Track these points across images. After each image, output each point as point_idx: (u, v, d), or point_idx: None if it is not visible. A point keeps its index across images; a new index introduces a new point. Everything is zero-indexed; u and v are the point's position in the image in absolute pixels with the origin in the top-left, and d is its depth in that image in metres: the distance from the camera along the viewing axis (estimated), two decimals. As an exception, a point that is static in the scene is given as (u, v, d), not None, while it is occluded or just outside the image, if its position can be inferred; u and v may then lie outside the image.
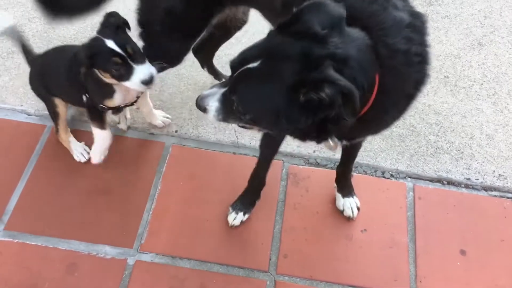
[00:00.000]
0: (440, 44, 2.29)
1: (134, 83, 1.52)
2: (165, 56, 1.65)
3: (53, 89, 1.77)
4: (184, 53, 1.73)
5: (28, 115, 1.99)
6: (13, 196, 1.77)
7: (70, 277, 1.61)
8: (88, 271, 1.63)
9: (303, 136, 1.16)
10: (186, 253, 1.68)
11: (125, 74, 1.51)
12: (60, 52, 1.80)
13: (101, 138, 1.73)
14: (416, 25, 1.14)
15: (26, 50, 1.87)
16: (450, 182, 1.89)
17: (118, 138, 1.91)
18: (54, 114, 1.81)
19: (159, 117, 1.94)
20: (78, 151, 1.85)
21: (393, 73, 1.10)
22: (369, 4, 1.13)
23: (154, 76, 1.54)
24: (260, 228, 1.74)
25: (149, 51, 1.61)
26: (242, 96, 1.10)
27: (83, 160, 1.85)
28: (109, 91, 1.62)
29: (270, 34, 1.11)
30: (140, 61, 1.52)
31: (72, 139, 1.86)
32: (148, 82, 1.52)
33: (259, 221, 1.76)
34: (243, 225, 1.74)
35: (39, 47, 2.17)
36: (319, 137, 1.15)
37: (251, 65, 1.06)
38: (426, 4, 2.44)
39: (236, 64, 1.10)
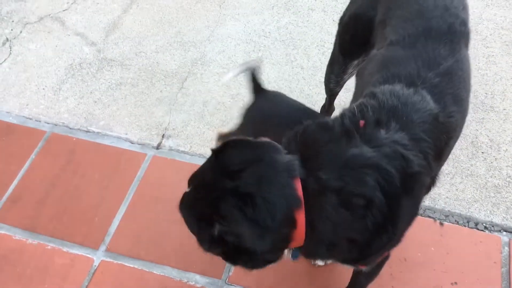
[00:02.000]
0: (541, 91, 2.20)
1: None
2: None
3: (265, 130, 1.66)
4: None
5: (132, 143, 2.14)
6: (115, 219, 1.91)
7: (163, 302, 1.71)
8: (180, 297, 1.71)
9: (231, 260, 1.13)
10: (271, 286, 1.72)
11: None
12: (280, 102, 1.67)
13: None
14: (388, 170, 1.01)
15: (255, 80, 1.71)
16: (550, 240, 1.79)
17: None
18: None
19: None
20: None
21: (318, 212, 1.02)
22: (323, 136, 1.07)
23: None
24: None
25: None
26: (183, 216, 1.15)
27: None
28: None
29: (208, 158, 1.13)
30: None
31: None
32: None
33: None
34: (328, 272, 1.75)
35: (143, 79, 2.36)
36: (248, 264, 1.10)
37: (187, 189, 1.13)
38: None
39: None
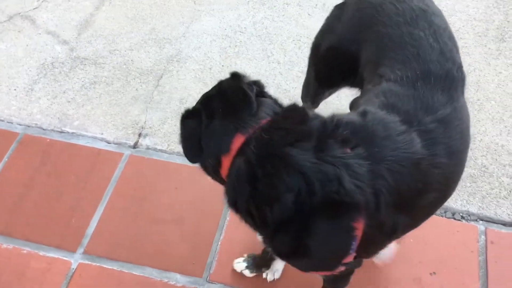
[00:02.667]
0: (513, 82, 2.24)
1: None
2: None
3: None
4: None
5: (108, 143, 2.11)
6: (92, 220, 1.88)
7: (143, 303, 1.69)
8: (160, 298, 1.70)
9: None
10: (253, 285, 1.71)
11: None
12: None
13: None
14: (313, 184, 1.00)
15: None
16: (525, 227, 1.83)
17: (190, 168, 1.99)
18: None
19: None
20: None
21: (233, 169, 1.13)
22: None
23: None
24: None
25: None
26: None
27: None
28: None
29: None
30: None
31: None
32: None
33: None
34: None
35: (118, 78, 2.32)
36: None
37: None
38: (498, 40, 2.40)
39: None
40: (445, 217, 1.86)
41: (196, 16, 2.57)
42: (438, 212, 1.87)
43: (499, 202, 1.88)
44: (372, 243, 1.13)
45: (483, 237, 1.81)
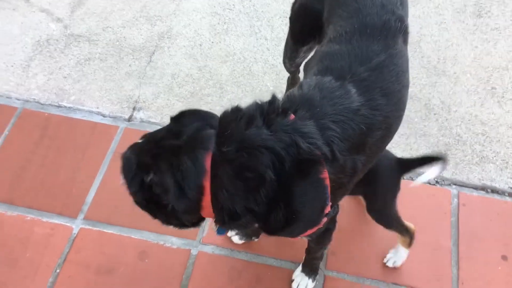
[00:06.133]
0: (488, 55, 2.36)
1: None
2: None
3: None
4: None
5: (103, 116, 2.21)
6: (91, 189, 1.99)
7: (142, 263, 1.82)
8: (157, 258, 1.83)
9: (152, 212, 1.24)
10: (243, 247, 1.85)
11: None
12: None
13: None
14: (280, 154, 1.10)
15: None
16: (494, 191, 1.98)
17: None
18: None
19: None
20: None
21: (217, 182, 1.11)
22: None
23: None
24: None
25: None
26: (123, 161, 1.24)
27: None
28: None
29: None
30: None
31: None
32: None
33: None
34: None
35: (111, 54, 2.41)
36: (165, 220, 1.23)
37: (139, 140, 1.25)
38: (476, 16, 2.51)
39: None
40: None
41: (186, -6, 2.65)
42: (415, 178, 2.01)
43: (471, 168, 2.03)
44: (340, 187, 1.25)
45: (455, 200, 1.96)
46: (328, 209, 1.22)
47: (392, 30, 1.31)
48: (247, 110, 1.17)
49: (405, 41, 1.38)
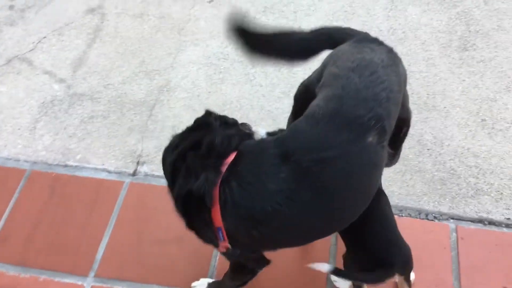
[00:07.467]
0: (476, 88, 2.44)
1: None
2: None
3: None
4: None
5: (109, 172, 2.29)
6: (101, 245, 2.06)
7: (153, 317, 1.87)
8: (167, 312, 1.88)
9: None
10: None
11: None
12: None
13: None
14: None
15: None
16: (491, 222, 2.03)
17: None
18: None
19: None
20: None
21: None
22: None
23: None
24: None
25: None
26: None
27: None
28: None
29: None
30: None
31: None
32: None
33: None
34: (299, 268, 1.94)
35: (114, 110, 2.51)
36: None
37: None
38: (461, 49, 2.61)
39: None
40: (419, 218, 2.06)
41: (182, 47, 2.76)
42: (413, 214, 2.07)
43: (467, 201, 2.08)
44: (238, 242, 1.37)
45: (454, 234, 2.01)
46: (222, 241, 1.34)
47: (362, 127, 1.26)
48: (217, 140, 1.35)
49: (380, 140, 1.29)
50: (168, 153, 1.45)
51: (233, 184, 1.26)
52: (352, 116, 1.26)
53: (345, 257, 1.62)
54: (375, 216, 1.53)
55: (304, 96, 1.56)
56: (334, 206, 1.29)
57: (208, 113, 1.48)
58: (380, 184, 1.64)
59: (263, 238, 1.33)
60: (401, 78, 1.41)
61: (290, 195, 1.23)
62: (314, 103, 1.36)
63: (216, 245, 1.40)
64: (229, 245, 1.36)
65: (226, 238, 1.32)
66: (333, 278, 1.85)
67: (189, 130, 1.46)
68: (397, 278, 1.75)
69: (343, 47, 1.49)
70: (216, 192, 1.26)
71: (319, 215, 1.29)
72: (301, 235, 1.39)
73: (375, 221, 1.53)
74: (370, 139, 1.26)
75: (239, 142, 1.34)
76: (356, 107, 1.27)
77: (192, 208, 1.35)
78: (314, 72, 1.59)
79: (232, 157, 1.30)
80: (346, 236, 1.59)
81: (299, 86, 1.66)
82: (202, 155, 1.32)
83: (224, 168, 1.28)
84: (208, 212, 1.29)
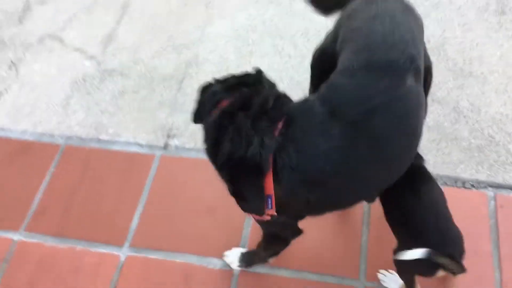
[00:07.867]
0: (516, 52, 2.34)
1: None
2: None
3: None
4: None
5: (140, 146, 2.32)
6: (135, 216, 2.09)
7: (187, 287, 1.89)
8: (202, 280, 1.90)
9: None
10: (283, 263, 1.89)
11: None
12: None
13: None
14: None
15: None
16: (532, 190, 1.96)
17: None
18: None
19: None
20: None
21: None
22: None
23: None
24: (349, 238, 1.92)
25: None
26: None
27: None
28: None
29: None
30: None
31: None
32: None
33: (347, 231, 1.94)
34: (332, 237, 1.93)
35: (143, 85, 2.52)
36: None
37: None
38: (499, 13, 2.49)
39: None
40: (456, 186, 2.00)
41: (209, 20, 2.74)
42: (449, 182, 2.02)
43: (506, 169, 2.01)
44: (288, 205, 1.32)
45: (492, 202, 1.94)
46: (269, 209, 1.29)
47: (398, 70, 1.25)
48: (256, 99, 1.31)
49: (417, 80, 1.30)
50: (209, 101, 1.39)
51: (289, 148, 1.22)
52: (387, 61, 1.25)
53: (396, 251, 1.57)
54: (428, 207, 1.48)
55: (322, 59, 1.54)
56: (390, 153, 1.28)
57: (259, 72, 1.43)
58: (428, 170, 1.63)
59: (318, 201, 1.31)
60: (418, 22, 1.41)
61: (346, 150, 1.21)
62: (343, 58, 1.33)
63: (262, 213, 1.34)
64: (275, 213, 1.32)
65: (274, 206, 1.28)
66: (382, 278, 1.82)
67: (234, 83, 1.38)
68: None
69: (354, 4, 1.47)
70: (271, 158, 1.23)
71: (376, 166, 1.27)
72: (358, 190, 1.36)
73: (430, 213, 1.49)
74: (409, 80, 1.25)
75: (287, 105, 1.32)
76: (388, 52, 1.25)
77: (240, 175, 1.30)
78: (326, 37, 1.57)
79: (282, 120, 1.27)
80: (399, 230, 1.54)
81: (314, 53, 1.63)
82: (255, 116, 1.26)
83: (276, 132, 1.25)
84: (261, 180, 1.25)
